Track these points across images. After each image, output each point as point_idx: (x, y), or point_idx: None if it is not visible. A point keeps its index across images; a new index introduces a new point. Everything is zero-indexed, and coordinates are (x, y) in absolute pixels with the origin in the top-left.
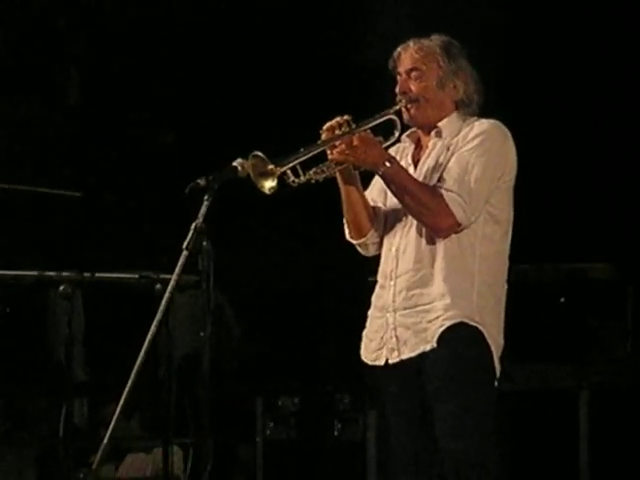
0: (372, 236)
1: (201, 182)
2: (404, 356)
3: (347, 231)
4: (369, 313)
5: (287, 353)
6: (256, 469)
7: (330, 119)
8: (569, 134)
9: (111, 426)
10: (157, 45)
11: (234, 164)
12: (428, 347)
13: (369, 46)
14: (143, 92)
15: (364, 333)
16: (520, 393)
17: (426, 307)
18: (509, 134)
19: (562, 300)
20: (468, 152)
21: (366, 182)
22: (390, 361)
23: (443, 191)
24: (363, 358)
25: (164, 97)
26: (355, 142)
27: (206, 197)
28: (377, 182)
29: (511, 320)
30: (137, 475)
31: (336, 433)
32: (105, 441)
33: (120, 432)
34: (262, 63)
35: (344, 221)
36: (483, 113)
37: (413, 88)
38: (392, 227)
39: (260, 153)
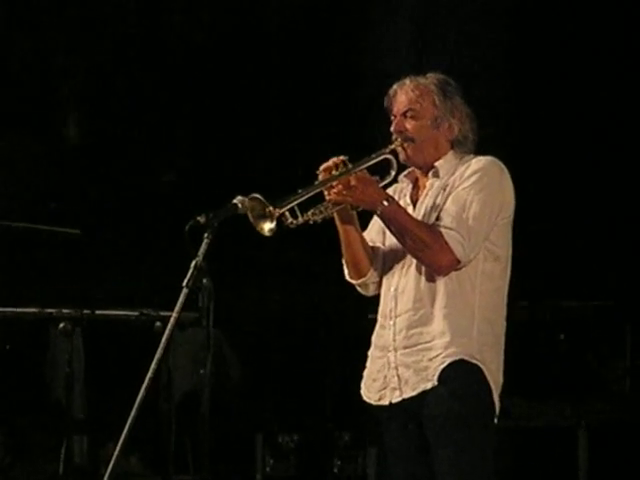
0: (372, 276)
1: (201, 219)
2: (406, 395)
3: (346, 271)
4: (369, 353)
5: (287, 390)
6: None
7: (328, 158)
8: (571, 173)
9: (112, 463)
10: (156, 84)
11: (234, 201)
12: (429, 385)
13: (373, 73)
14: (143, 130)
15: (365, 373)
16: (519, 430)
17: (427, 345)
18: (506, 170)
19: (562, 337)
20: (466, 190)
21: (364, 222)
22: (393, 401)
23: (442, 229)
24: (365, 398)
25: (164, 135)
26: (353, 182)
27: (206, 234)
28: (375, 222)
29: (511, 357)
30: None
31: (336, 470)
32: (106, 478)
33: (120, 469)
34: (263, 100)
35: (343, 261)
36: (485, 147)
37: (409, 127)
38: (391, 267)
39: (258, 195)
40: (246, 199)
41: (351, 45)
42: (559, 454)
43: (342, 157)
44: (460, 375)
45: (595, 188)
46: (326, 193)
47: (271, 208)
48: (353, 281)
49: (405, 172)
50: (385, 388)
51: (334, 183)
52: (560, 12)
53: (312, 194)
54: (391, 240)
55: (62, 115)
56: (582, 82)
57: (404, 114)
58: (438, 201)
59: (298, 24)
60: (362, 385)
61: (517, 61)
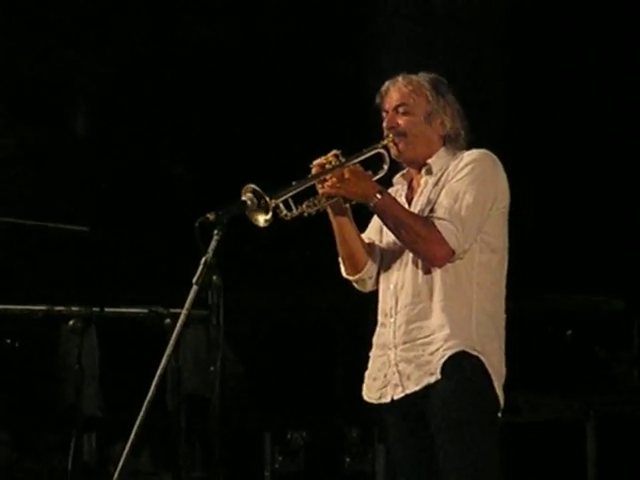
0: (368, 270)
1: (210, 216)
2: (409, 390)
3: (343, 268)
4: (370, 354)
5: (296, 387)
6: None
7: (328, 151)
8: (582, 165)
9: (122, 461)
10: (167, 76)
11: (243, 199)
12: (433, 379)
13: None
14: (153, 124)
15: (366, 373)
16: (528, 425)
17: (426, 340)
18: (498, 162)
19: (569, 332)
20: (458, 182)
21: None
22: (395, 397)
23: (435, 220)
24: (366, 398)
25: (174, 129)
26: (346, 175)
27: (216, 231)
28: (373, 223)
29: (519, 351)
30: None
31: (345, 467)
32: (116, 476)
33: (130, 467)
34: (273, 94)
35: (339, 259)
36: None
37: (401, 122)
38: (389, 265)
39: (254, 186)
40: (253, 197)
41: (352, 48)
42: (567, 447)
43: (335, 151)
44: (461, 368)
45: (604, 181)
46: (319, 186)
47: (267, 199)
48: (350, 277)
49: (399, 173)
50: (386, 386)
51: (328, 176)
52: (558, 13)
53: (306, 186)
54: (388, 238)
55: (71, 109)
56: (581, 82)
57: (396, 109)
58: (432, 197)
59: (302, 22)
60: (363, 386)
61: (514, 64)
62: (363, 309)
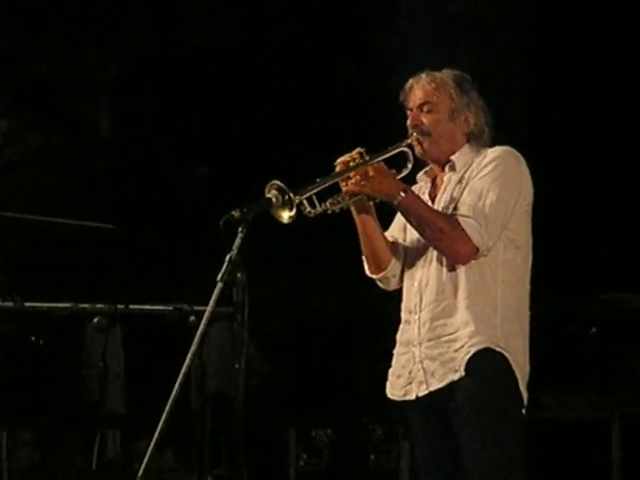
0: (392, 269)
1: (235, 214)
2: (432, 387)
3: (366, 267)
4: (394, 351)
5: (320, 385)
6: None
7: (351, 150)
8: (606, 162)
9: (146, 458)
10: (188, 77)
11: (268, 196)
12: (457, 376)
13: (395, 74)
14: (175, 124)
15: (390, 371)
16: (552, 423)
17: (451, 337)
18: (522, 159)
19: (593, 330)
20: (482, 179)
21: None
22: (419, 394)
23: (459, 217)
24: (390, 396)
25: (196, 129)
26: (370, 173)
27: (240, 229)
28: (397, 221)
29: (544, 350)
30: None
31: (369, 464)
32: (140, 474)
33: (154, 464)
34: (294, 95)
35: (363, 258)
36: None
37: (425, 121)
38: (413, 262)
39: (279, 182)
40: (278, 194)
41: (375, 47)
42: (592, 446)
43: (359, 149)
44: (486, 365)
45: (628, 179)
46: (343, 184)
47: (292, 195)
48: (374, 276)
49: (423, 171)
50: (410, 383)
51: (351, 174)
52: (581, 7)
53: (330, 183)
54: (412, 236)
55: (95, 109)
56: (605, 79)
57: (420, 107)
58: (455, 194)
59: (326, 22)
60: (387, 384)
61: (534, 61)
62: (388, 306)
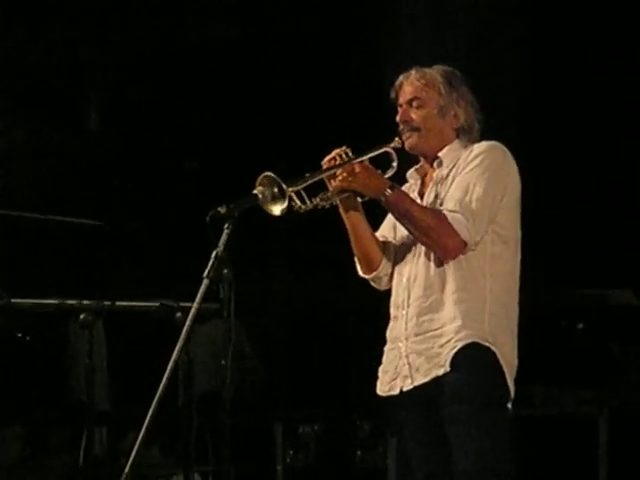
0: (383, 268)
1: (222, 210)
2: (417, 382)
3: (358, 267)
4: (384, 348)
5: (307, 380)
6: None
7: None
8: (592, 158)
9: (133, 454)
10: (178, 72)
11: (254, 192)
12: (441, 371)
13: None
14: (165, 119)
15: (380, 368)
16: (540, 417)
17: (437, 332)
18: (509, 153)
19: (581, 325)
20: (468, 174)
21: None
22: (404, 389)
23: (446, 212)
24: (379, 392)
25: (186, 124)
26: (357, 169)
27: (226, 225)
28: (386, 221)
29: (532, 345)
30: None
31: (356, 460)
32: (127, 469)
33: (141, 461)
34: (285, 90)
35: (355, 259)
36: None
37: (414, 117)
38: (403, 258)
39: (271, 174)
40: (266, 189)
41: (368, 43)
42: (580, 441)
43: (344, 148)
44: (472, 359)
45: (616, 174)
46: (330, 182)
47: (284, 186)
48: (366, 276)
49: (413, 168)
50: (396, 378)
51: (338, 171)
52: (577, 13)
53: (320, 178)
54: (401, 233)
55: (85, 104)
56: (600, 73)
57: (410, 103)
58: (442, 190)
59: (320, 17)
60: (377, 382)
61: (531, 57)
62: (377, 303)
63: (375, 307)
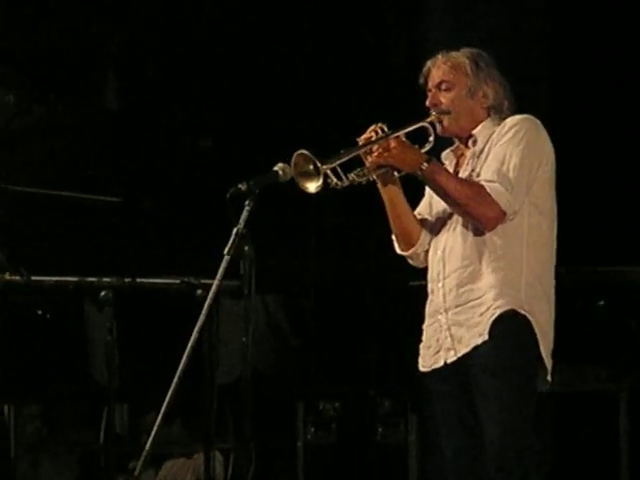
0: (422, 244)
1: (242, 187)
2: (460, 354)
3: (396, 245)
4: (423, 326)
5: (328, 358)
6: (297, 474)
7: (370, 124)
8: (613, 136)
9: (153, 432)
10: (194, 50)
11: (275, 169)
12: (480, 340)
13: (410, 48)
14: (180, 96)
15: (421, 345)
16: (560, 395)
17: (477, 302)
18: (541, 126)
19: (601, 303)
20: (503, 145)
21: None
22: (448, 361)
23: (484, 182)
24: (421, 368)
25: (202, 101)
26: (392, 144)
27: (247, 202)
28: (423, 200)
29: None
30: None
31: (377, 437)
32: (147, 447)
33: (162, 437)
34: (301, 67)
35: (393, 237)
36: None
37: (443, 100)
38: (438, 232)
39: (306, 151)
40: (287, 166)
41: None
42: (600, 419)
43: (380, 124)
44: (508, 327)
45: (634, 152)
46: (367, 158)
47: (319, 164)
48: (404, 253)
49: (448, 149)
50: (439, 351)
51: (374, 147)
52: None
53: (355, 154)
54: (437, 208)
55: (99, 82)
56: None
57: (438, 87)
58: (477, 164)
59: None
60: (419, 358)
61: (557, 30)
62: (397, 281)
63: (396, 284)
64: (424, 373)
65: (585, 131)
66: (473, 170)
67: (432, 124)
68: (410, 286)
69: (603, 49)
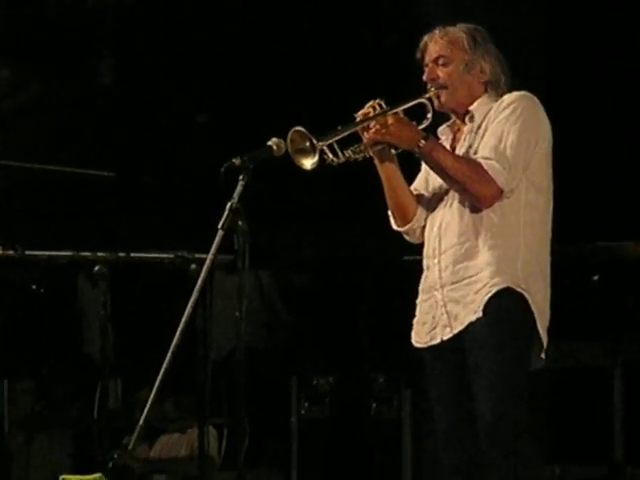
0: (418, 220)
1: (236, 162)
2: (456, 330)
3: (392, 220)
4: (417, 301)
5: (322, 332)
6: (291, 449)
7: (364, 101)
8: (607, 111)
9: (147, 407)
10: (190, 25)
11: (269, 144)
12: (474, 317)
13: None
14: (176, 71)
15: (414, 321)
16: (554, 371)
17: (473, 279)
18: (539, 102)
19: (595, 278)
20: (501, 122)
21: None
22: (444, 338)
23: (481, 160)
24: (415, 344)
25: (197, 76)
26: (390, 121)
27: (241, 177)
28: (419, 175)
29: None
30: (171, 455)
31: (371, 412)
32: (141, 422)
33: (155, 413)
34: (297, 42)
35: (389, 212)
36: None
37: (440, 75)
38: (434, 208)
39: (301, 128)
40: (282, 141)
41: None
42: (594, 394)
43: (378, 100)
44: (504, 304)
45: (632, 129)
46: (364, 134)
47: (315, 140)
48: (400, 229)
49: (445, 124)
50: (435, 328)
51: (371, 123)
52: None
53: (352, 131)
54: (433, 184)
55: (95, 57)
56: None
57: (435, 62)
58: (475, 141)
59: None
60: (412, 334)
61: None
62: (390, 256)
63: (390, 259)
64: (418, 349)
65: (580, 126)
66: (470, 146)
67: (430, 100)
68: (404, 261)
69: (601, 49)
